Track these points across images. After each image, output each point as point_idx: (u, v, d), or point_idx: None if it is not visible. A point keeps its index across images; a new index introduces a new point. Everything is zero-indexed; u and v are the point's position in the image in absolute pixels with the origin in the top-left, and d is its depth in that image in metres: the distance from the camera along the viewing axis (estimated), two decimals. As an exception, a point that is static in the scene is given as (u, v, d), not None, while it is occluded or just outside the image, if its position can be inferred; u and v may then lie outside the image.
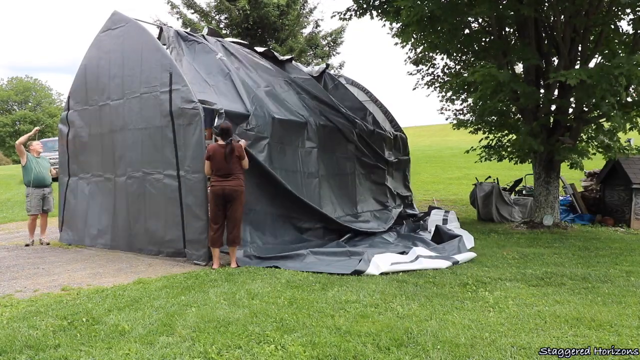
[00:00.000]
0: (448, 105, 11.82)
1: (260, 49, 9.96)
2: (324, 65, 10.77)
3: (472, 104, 11.22)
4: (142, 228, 7.25)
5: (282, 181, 7.34)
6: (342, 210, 8.97)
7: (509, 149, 10.03)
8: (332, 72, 12.75)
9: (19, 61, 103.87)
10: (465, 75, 9.54)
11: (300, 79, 9.46)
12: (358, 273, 5.57)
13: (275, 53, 10.08)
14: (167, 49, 7.58)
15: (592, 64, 8.97)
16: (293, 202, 7.58)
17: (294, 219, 7.74)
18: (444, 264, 6.07)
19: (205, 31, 9.13)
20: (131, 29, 7.58)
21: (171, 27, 8.61)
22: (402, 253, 6.66)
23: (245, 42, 10.37)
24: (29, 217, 8.33)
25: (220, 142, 6.16)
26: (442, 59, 11.50)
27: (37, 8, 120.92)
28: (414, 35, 10.18)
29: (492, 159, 10.31)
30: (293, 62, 10.30)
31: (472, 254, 6.59)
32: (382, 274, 5.57)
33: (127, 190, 7.44)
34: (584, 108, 9.05)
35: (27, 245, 8.17)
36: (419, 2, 8.14)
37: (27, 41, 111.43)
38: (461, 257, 6.36)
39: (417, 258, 6.31)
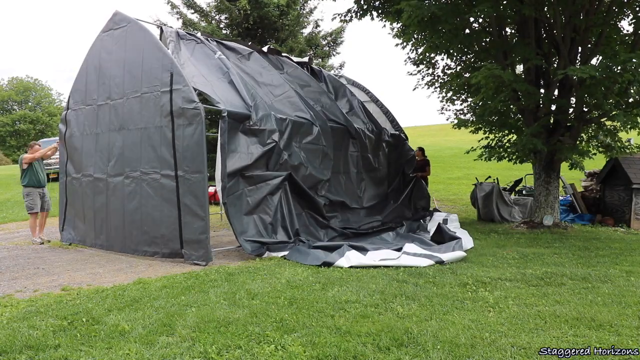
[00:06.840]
0: (448, 106, 11.81)
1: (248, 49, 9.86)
2: (306, 59, 10.80)
3: (472, 104, 11.21)
4: (137, 228, 7.20)
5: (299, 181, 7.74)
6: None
7: (509, 149, 10.03)
8: (332, 72, 12.75)
9: (19, 63, 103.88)
10: (467, 76, 9.53)
11: (296, 74, 9.57)
12: (328, 264, 6.12)
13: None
14: (167, 48, 7.58)
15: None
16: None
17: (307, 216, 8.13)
18: (424, 262, 6.05)
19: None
20: (133, 29, 7.57)
21: (171, 27, 8.62)
22: (398, 250, 6.69)
23: (242, 44, 10.33)
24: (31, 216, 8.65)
25: None
26: (443, 59, 11.50)
27: (35, 9, 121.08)
28: (415, 36, 10.17)
29: (492, 159, 10.31)
30: (280, 56, 10.39)
31: (462, 254, 6.51)
32: (351, 267, 6.00)
33: (124, 190, 7.40)
34: (584, 108, 9.04)
35: (41, 243, 8.46)
36: (419, 3, 8.14)
37: (27, 42, 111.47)
38: (447, 257, 6.28)
39: (400, 255, 6.31)
